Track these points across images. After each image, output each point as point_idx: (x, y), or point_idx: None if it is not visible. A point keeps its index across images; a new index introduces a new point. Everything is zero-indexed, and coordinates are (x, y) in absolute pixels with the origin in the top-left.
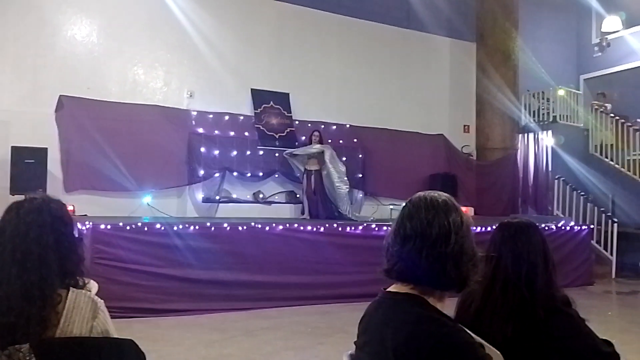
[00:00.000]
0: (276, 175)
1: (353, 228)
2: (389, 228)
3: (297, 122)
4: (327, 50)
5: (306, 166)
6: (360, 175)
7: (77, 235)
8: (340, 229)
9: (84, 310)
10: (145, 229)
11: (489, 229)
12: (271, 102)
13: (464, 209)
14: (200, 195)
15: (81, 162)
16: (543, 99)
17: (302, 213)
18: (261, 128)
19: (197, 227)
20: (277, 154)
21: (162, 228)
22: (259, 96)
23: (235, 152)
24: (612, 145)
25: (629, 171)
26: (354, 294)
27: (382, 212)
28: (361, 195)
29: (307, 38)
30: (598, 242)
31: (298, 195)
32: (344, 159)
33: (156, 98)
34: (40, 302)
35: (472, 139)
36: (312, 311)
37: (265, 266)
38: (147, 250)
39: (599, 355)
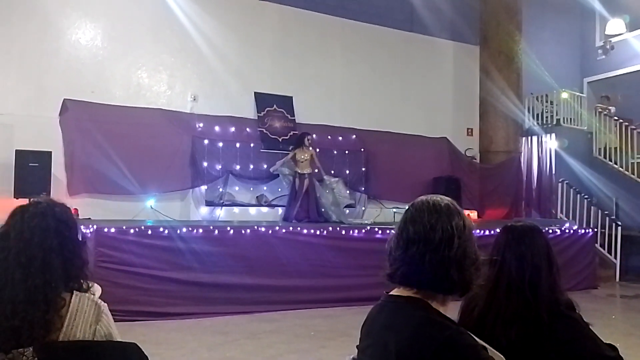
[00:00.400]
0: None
1: (356, 231)
2: (392, 232)
3: (300, 126)
4: (330, 54)
5: (299, 170)
6: (363, 179)
7: (81, 239)
8: (343, 232)
9: (88, 314)
10: (149, 232)
11: (492, 232)
12: (274, 106)
13: (467, 212)
14: (203, 199)
15: (85, 165)
16: (547, 102)
17: (285, 217)
18: (264, 131)
19: (200, 231)
20: (279, 157)
21: (166, 231)
22: (262, 99)
23: (238, 156)
24: (616, 148)
25: (633, 174)
26: (357, 297)
27: (385, 216)
28: (364, 198)
29: (311, 41)
30: (602, 245)
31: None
32: (347, 162)
33: (160, 102)
34: (44, 306)
35: (476, 142)
36: (315, 314)
37: (268, 269)
38: (150, 253)
39: (602, 359)
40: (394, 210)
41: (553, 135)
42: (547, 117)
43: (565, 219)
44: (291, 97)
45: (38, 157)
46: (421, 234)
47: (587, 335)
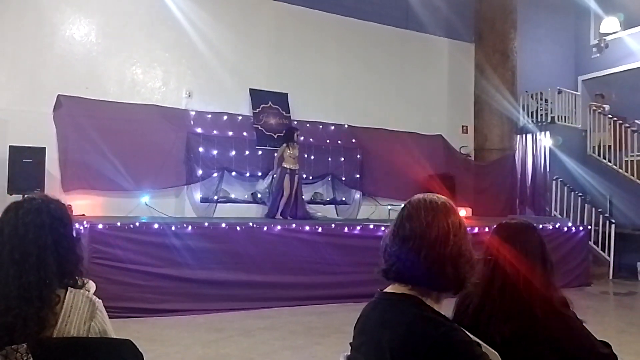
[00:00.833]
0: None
1: (351, 228)
2: (386, 228)
3: (295, 122)
4: (325, 51)
5: (290, 165)
6: (358, 176)
7: (75, 236)
8: (338, 229)
9: (82, 311)
10: (143, 228)
11: (486, 229)
12: (270, 102)
13: (461, 209)
14: (198, 195)
15: (79, 161)
16: (541, 99)
17: (270, 214)
18: (259, 128)
19: (195, 227)
20: (273, 154)
21: (160, 228)
22: (257, 96)
23: (233, 152)
24: (609, 146)
25: (627, 172)
26: (351, 294)
27: (380, 213)
28: (359, 195)
29: (306, 38)
30: (595, 243)
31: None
32: (342, 159)
33: (154, 98)
34: (38, 303)
35: (470, 140)
36: (310, 311)
37: (262, 266)
38: (144, 250)
39: (596, 356)
40: (389, 207)
41: (547, 133)
42: (541, 115)
43: (559, 216)
44: (286, 94)
45: (32, 153)
46: (417, 231)
47: (581, 332)
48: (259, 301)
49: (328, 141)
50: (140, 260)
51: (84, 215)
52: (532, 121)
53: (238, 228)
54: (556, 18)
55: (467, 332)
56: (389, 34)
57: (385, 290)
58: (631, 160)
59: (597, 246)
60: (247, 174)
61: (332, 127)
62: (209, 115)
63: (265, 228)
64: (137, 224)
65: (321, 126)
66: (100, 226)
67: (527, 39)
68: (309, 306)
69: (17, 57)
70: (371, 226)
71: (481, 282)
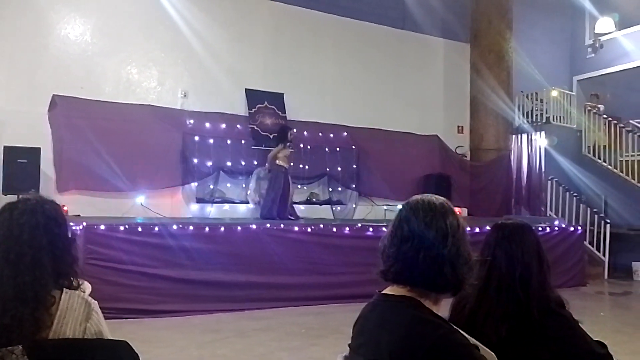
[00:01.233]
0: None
1: (347, 229)
2: (384, 229)
3: (293, 130)
4: (322, 51)
5: (285, 165)
6: (355, 176)
7: (70, 236)
8: (334, 229)
9: (78, 312)
10: (139, 229)
11: (482, 229)
12: (265, 102)
13: (457, 210)
14: (194, 196)
15: (74, 162)
16: (536, 100)
17: (269, 215)
18: (255, 128)
19: (190, 228)
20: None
21: (156, 228)
22: (253, 96)
23: (229, 152)
24: (604, 146)
25: (622, 172)
26: (348, 294)
27: (377, 213)
28: (355, 195)
29: (302, 38)
30: (591, 243)
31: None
32: (338, 159)
33: (150, 98)
34: (33, 304)
35: (466, 140)
36: (306, 312)
37: (259, 267)
38: (140, 250)
39: (592, 356)
40: (385, 207)
41: (543, 133)
42: (536, 115)
43: (555, 216)
44: (282, 94)
45: (27, 153)
46: (416, 232)
47: (577, 333)
48: (255, 302)
49: (324, 141)
50: (135, 261)
51: (79, 215)
52: (528, 121)
53: (234, 228)
54: (551, 18)
55: (465, 334)
56: (386, 34)
57: (383, 292)
58: (626, 160)
59: (592, 246)
60: (243, 174)
61: (328, 128)
62: (205, 116)
63: (261, 228)
64: (133, 224)
65: (317, 126)
66: (95, 227)
67: (522, 39)
68: (305, 307)
69: (13, 57)
70: (367, 226)
71: (477, 283)
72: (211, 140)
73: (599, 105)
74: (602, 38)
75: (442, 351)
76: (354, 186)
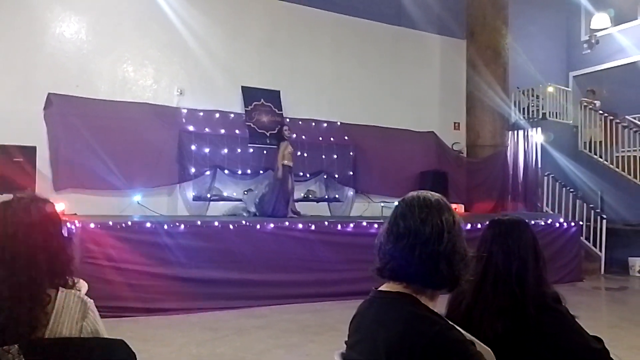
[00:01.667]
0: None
1: (344, 226)
2: (380, 226)
3: (288, 120)
4: (318, 48)
5: (290, 163)
6: (352, 173)
7: (66, 235)
8: (331, 226)
9: (74, 311)
10: (136, 227)
11: (479, 226)
12: (262, 100)
13: (454, 206)
14: (191, 194)
15: (70, 160)
16: (533, 96)
17: (280, 213)
18: (252, 126)
19: (187, 226)
20: (265, 152)
21: (153, 227)
22: (249, 94)
23: (226, 150)
24: (600, 142)
25: (618, 168)
26: (345, 291)
27: (373, 210)
28: (352, 192)
29: (298, 35)
30: (587, 238)
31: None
32: (335, 156)
33: (146, 96)
34: (29, 303)
35: (463, 136)
36: (303, 309)
37: (256, 264)
38: (137, 249)
39: (589, 351)
40: (382, 204)
41: (539, 129)
42: (533, 111)
43: (551, 212)
44: (279, 91)
45: (22, 152)
46: (411, 229)
47: (573, 328)
48: (252, 299)
49: (321, 138)
50: (133, 260)
51: (75, 214)
52: (524, 117)
53: (231, 226)
54: (547, 14)
55: (462, 330)
56: (382, 31)
57: (380, 289)
58: (622, 156)
59: (589, 242)
60: (240, 172)
61: (325, 125)
62: (201, 113)
63: (258, 226)
64: (130, 223)
65: (314, 123)
66: (92, 225)
67: (518, 35)
68: (303, 304)
69: (7, 55)
70: (364, 223)
71: (474, 279)
72: (207, 138)
73: (595, 101)
74: (598, 34)
75: (438, 347)
76: (350, 183)
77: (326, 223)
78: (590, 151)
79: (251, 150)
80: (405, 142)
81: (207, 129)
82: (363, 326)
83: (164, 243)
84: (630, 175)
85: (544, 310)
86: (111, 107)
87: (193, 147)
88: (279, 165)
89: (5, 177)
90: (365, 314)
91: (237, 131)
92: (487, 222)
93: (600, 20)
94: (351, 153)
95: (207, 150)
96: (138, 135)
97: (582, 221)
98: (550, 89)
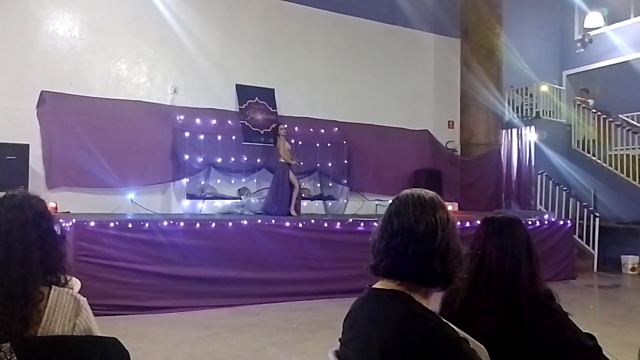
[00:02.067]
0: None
1: (338, 224)
2: (374, 224)
3: (282, 118)
4: (312, 46)
5: (288, 159)
6: (346, 171)
7: (59, 233)
8: (325, 225)
9: (67, 309)
10: (129, 225)
11: (472, 224)
12: (256, 98)
13: (447, 204)
14: (185, 192)
15: (63, 158)
16: (526, 94)
17: (285, 211)
18: (246, 124)
19: (181, 224)
20: (260, 150)
21: (146, 225)
22: (244, 92)
23: (220, 148)
24: (594, 140)
25: (611, 166)
26: (339, 289)
27: (368, 208)
28: (346, 191)
29: (293, 33)
30: (580, 236)
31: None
32: (329, 155)
33: (140, 94)
34: (22, 301)
35: (457, 135)
36: (297, 307)
37: (250, 262)
38: (131, 247)
39: (581, 348)
40: (376, 202)
41: (532, 127)
42: (526, 109)
43: (545, 210)
44: (273, 90)
45: (15, 150)
46: (405, 226)
47: (567, 325)
48: (246, 297)
49: (315, 137)
50: (126, 258)
51: (69, 212)
52: (518, 116)
53: (225, 224)
54: (541, 13)
55: (455, 328)
56: (376, 30)
57: (374, 287)
58: (615, 155)
59: (582, 239)
60: (234, 170)
61: (319, 123)
62: (195, 111)
63: (252, 224)
64: (123, 221)
65: (308, 122)
66: (86, 223)
67: (512, 34)
68: (297, 302)
69: (0, 53)
70: (358, 221)
71: (468, 276)
72: (201, 136)
73: (589, 100)
74: (592, 33)
75: (432, 344)
76: (345, 181)
77: (320, 221)
78: (583, 150)
79: (246, 148)
80: (400, 140)
81: (201, 127)
82: (357, 324)
83: (157, 241)
84: (623, 173)
85: (538, 308)
86: (105, 105)
87: (187, 145)
88: (287, 160)
89: None
90: (360, 312)
91: (231, 129)
92: (481, 220)
93: (594, 19)
94: (345, 151)
95: (201, 148)
96: (132, 133)
97: (575, 219)
98: (544, 88)
